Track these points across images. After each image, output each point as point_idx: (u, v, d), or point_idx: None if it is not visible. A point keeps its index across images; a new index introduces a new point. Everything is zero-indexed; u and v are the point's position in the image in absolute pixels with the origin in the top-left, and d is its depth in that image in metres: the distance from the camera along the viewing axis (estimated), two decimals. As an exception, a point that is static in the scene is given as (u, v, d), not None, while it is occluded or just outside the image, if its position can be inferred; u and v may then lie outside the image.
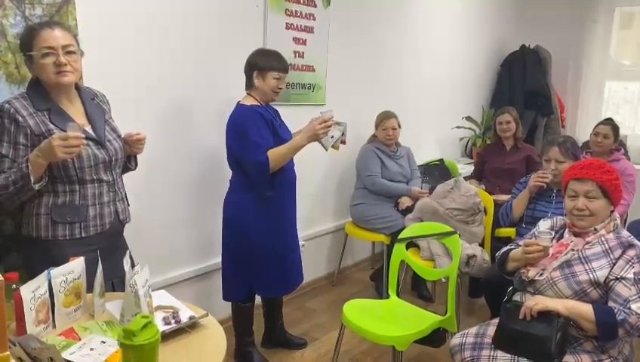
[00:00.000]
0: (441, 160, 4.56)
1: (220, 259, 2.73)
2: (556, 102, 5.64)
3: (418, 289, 3.79)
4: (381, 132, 3.72)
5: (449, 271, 2.64)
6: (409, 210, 3.55)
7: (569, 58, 5.82)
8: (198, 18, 2.80)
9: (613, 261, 1.89)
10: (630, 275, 1.84)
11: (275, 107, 2.76)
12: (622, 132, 4.79)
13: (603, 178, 1.97)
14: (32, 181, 1.71)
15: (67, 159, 1.74)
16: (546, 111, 5.53)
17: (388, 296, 2.73)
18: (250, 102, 2.56)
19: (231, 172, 2.67)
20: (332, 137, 2.73)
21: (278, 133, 2.56)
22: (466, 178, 4.16)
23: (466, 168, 4.82)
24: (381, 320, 2.46)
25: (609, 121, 3.68)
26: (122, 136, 2.01)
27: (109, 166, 1.92)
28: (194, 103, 2.84)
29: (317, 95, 3.64)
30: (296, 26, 3.38)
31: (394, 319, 2.47)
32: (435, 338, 2.47)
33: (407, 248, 2.86)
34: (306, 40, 3.46)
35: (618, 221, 2.03)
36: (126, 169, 2.11)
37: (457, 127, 5.12)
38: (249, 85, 2.59)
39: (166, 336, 1.55)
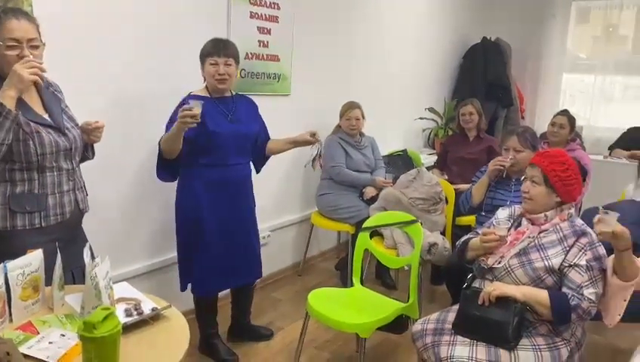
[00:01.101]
0: (405, 150, 4.62)
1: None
2: (516, 94, 5.78)
3: (382, 277, 3.85)
4: (345, 122, 3.75)
5: (411, 259, 2.69)
6: (373, 199, 3.59)
7: (528, 51, 5.98)
8: (160, 5, 2.74)
9: (567, 248, 1.96)
10: (583, 262, 1.92)
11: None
12: (578, 123, 4.96)
13: (549, 168, 2.04)
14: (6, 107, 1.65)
15: (33, 81, 1.72)
16: (506, 103, 5.66)
17: (352, 285, 2.77)
18: (198, 92, 2.54)
19: None
20: (311, 155, 2.75)
21: (205, 123, 2.42)
22: (429, 168, 4.23)
23: (428, 158, 4.89)
24: (345, 308, 2.49)
25: (565, 112, 3.81)
26: (80, 124, 1.98)
27: (69, 154, 1.89)
28: (153, 93, 2.77)
29: (282, 85, 3.62)
30: (261, 15, 3.35)
31: (358, 307, 2.50)
32: (398, 324, 2.52)
33: (371, 237, 2.89)
34: (270, 29, 3.44)
35: (572, 210, 2.10)
36: (84, 158, 2.07)
37: (420, 118, 5.19)
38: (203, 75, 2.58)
39: (128, 328, 1.53)
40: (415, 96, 5.24)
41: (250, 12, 3.27)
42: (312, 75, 3.86)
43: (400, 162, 4.47)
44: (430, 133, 5.52)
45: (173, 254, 2.92)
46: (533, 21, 5.92)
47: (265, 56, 3.44)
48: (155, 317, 1.64)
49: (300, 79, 3.74)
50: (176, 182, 2.64)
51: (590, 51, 6.06)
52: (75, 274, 1.91)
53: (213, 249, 2.59)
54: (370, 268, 3.81)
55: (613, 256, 1.90)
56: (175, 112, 2.42)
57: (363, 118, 3.78)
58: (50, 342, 1.45)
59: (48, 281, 1.68)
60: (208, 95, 2.53)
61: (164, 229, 2.94)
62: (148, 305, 1.69)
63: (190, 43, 2.73)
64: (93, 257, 1.68)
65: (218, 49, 2.48)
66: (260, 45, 3.39)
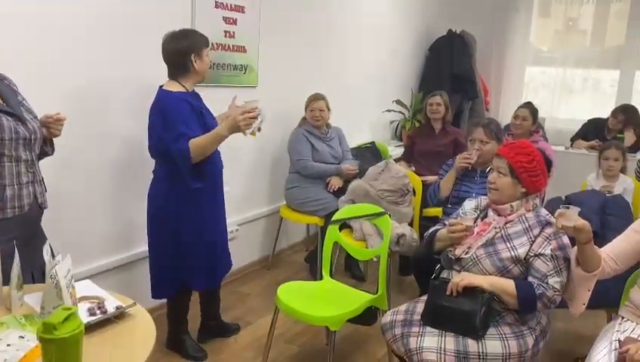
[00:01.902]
0: (373, 142, 4.63)
1: (146, 248, 2.64)
2: (480, 86, 5.87)
3: (351, 270, 3.86)
4: (309, 113, 3.74)
5: (380, 250, 2.69)
6: (341, 190, 3.59)
7: (492, 44, 6.07)
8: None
9: (533, 238, 1.99)
10: (548, 252, 1.95)
11: (205, 89, 2.69)
12: (540, 115, 5.08)
13: (514, 159, 2.07)
14: None
15: None
16: (472, 95, 5.74)
17: (321, 278, 2.76)
18: (175, 88, 2.44)
19: (152, 160, 2.55)
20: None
21: (204, 122, 2.46)
22: (397, 160, 4.25)
23: (396, 150, 4.92)
24: (314, 301, 2.48)
25: (528, 105, 3.88)
26: (39, 117, 1.91)
27: (28, 144, 1.83)
28: (113, 87, 2.68)
29: (249, 77, 3.57)
30: (226, 4, 3.28)
31: (327, 300, 2.50)
32: (367, 316, 2.53)
33: (340, 229, 2.89)
34: (236, 19, 3.38)
35: (537, 201, 2.14)
36: (43, 154, 1.99)
37: (388, 111, 5.21)
38: (181, 71, 2.44)
39: (92, 328, 1.49)
40: (382, 88, 5.25)
41: (216, 2, 3.21)
42: (279, 67, 3.82)
43: (368, 154, 4.48)
44: (398, 126, 5.55)
45: (140, 249, 2.86)
46: (498, 14, 6.01)
47: (231, 47, 3.38)
48: (120, 315, 1.60)
49: (267, 71, 3.69)
50: (152, 180, 2.56)
51: (552, 44, 6.20)
52: (35, 275, 1.84)
53: (209, 239, 2.58)
54: (339, 260, 3.81)
55: (575, 248, 1.94)
56: (178, 112, 2.35)
57: (328, 109, 3.76)
58: (8, 345, 1.38)
59: (6, 281, 1.62)
60: (186, 90, 2.45)
61: (130, 224, 2.87)
62: (112, 303, 1.64)
63: (152, 33, 2.65)
64: (53, 255, 1.62)
65: (207, 38, 2.49)
66: (225, 36, 3.33)
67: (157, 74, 2.53)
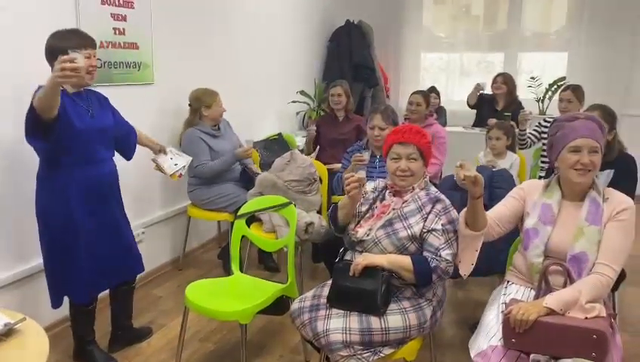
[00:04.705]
0: (280, 134, 4.65)
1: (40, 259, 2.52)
2: (380, 74, 6.07)
3: (265, 262, 3.88)
4: (217, 109, 3.64)
5: (287, 240, 2.73)
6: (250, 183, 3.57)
7: (389, 32, 6.29)
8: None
9: (425, 215, 2.11)
10: (439, 226, 2.08)
11: (98, 89, 2.58)
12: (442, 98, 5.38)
13: (421, 141, 2.18)
14: None
15: None
16: (372, 83, 5.93)
17: (232, 273, 2.76)
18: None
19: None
20: (175, 165, 2.69)
21: (69, 120, 2.30)
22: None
23: (303, 140, 4.98)
24: (224, 297, 2.47)
25: (420, 91, 4.09)
26: None
27: None
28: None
29: (144, 74, 3.46)
30: (113, 1, 3.15)
31: (237, 294, 2.50)
32: (279, 306, 2.56)
33: (251, 223, 2.89)
34: (126, 16, 3.26)
35: (427, 178, 2.27)
36: None
37: (293, 102, 5.26)
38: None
39: (-24, 349, 1.40)
40: (285, 79, 5.28)
41: (101, -2, 3.08)
42: (175, 63, 3.73)
43: (276, 146, 4.49)
44: (304, 116, 5.62)
45: (37, 262, 2.70)
46: (392, 2, 6.22)
47: (122, 44, 3.26)
48: (9, 332, 1.52)
49: (163, 67, 3.59)
50: (37, 187, 2.42)
51: (448, 30, 6.52)
52: None
53: (93, 249, 2.45)
54: (252, 253, 3.81)
55: (464, 210, 2.06)
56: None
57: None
58: None
59: None
60: (64, 90, 2.32)
61: (25, 233, 2.70)
62: (0, 320, 1.55)
63: (34, 34, 2.49)
64: None
65: (90, 40, 2.37)
66: (115, 33, 3.20)
67: (40, 77, 2.38)
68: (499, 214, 2.13)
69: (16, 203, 2.66)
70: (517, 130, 4.04)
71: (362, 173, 2.16)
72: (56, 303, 2.51)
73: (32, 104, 2.19)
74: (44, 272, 2.51)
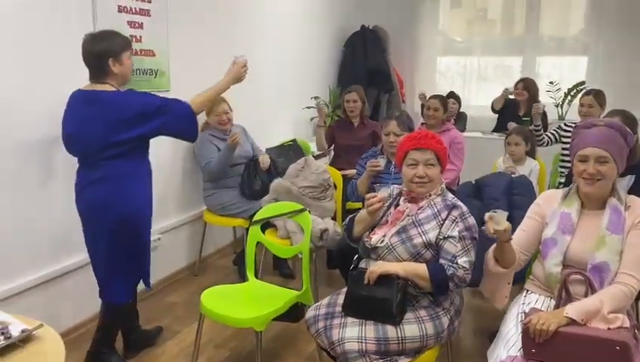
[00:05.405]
0: (294, 140, 4.65)
1: (67, 263, 2.54)
2: (395, 79, 6.04)
3: (280, 268, 3.88)
4: (214, 118, 3.67)
5: (302, 246, 2.72)
6: (264, 190, 3.57)
7: (404, 36, 6.25)
8: (17, 4, 2.50)
9: (441, 222, 2.09)
10: (455, 233, 2.05)
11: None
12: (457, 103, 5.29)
13: (438, 147, 2.17)
14: None
15: None
16: (387, 88, 5.91)
17: (247, 279, 2.75)
18: (111, 89, 2.36)
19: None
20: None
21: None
22: (318, 156, 4.30)
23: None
24: (239, 303, 2.47)
25: (437, 96, 4.05)
26: None
27: None
28: (19, 96, 2.54)
29: (160, 81, 3.49)
30: (130, 8, 3.19)
31: (252, 301, 2.49)
32: (294, 313, 2.55)
33: (265, 229, 2.89)
34: (142, 23, 3.29)
35: (444, 185, 2.24)
36: None
37: (307, 108, 5.26)
38: (102, 74, 2.36)
39: (-6, 355, 1.41)
40: (300, 85, 5.29)
41: (118, 5, 3.11)
42: (191, 70, 3.74)
43: (291, 152, 4.49)
44: (319, 122, 5.60)
45: (61, 266, 2.72)
46: (407, 7, 6.19)
47: (139, 52, 3.28)
48: (26, 339, 1.53)
49: (179, 74, 3.61)
50: (121, 185, 2.43)
51: (464, 34, 6.48)
52: None
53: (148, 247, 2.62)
54: (267, 259, 3.80)
55: (493, 247, 2.05)
56: (139, 95, 2.41)
57: (230, 110, 3.72)
58: None
59: None
60: (119, 91, 2.40)
61: (48, 238, 2.73)
62: (17, 327, 1.57)
63: (53, 41, 2.53)
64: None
65: (129, 40, 2.49)
66: (132, 40, 3.21)
67: (64, 81, 2.43)
68: (521, 241, 2.11)
69: (38, 205, 2.69)
70: (532, 127, 4.00)
71: (384, 193, 2.15)
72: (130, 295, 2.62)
73: (192, 108, 2.50)
74: (113, 270, 2.48)
